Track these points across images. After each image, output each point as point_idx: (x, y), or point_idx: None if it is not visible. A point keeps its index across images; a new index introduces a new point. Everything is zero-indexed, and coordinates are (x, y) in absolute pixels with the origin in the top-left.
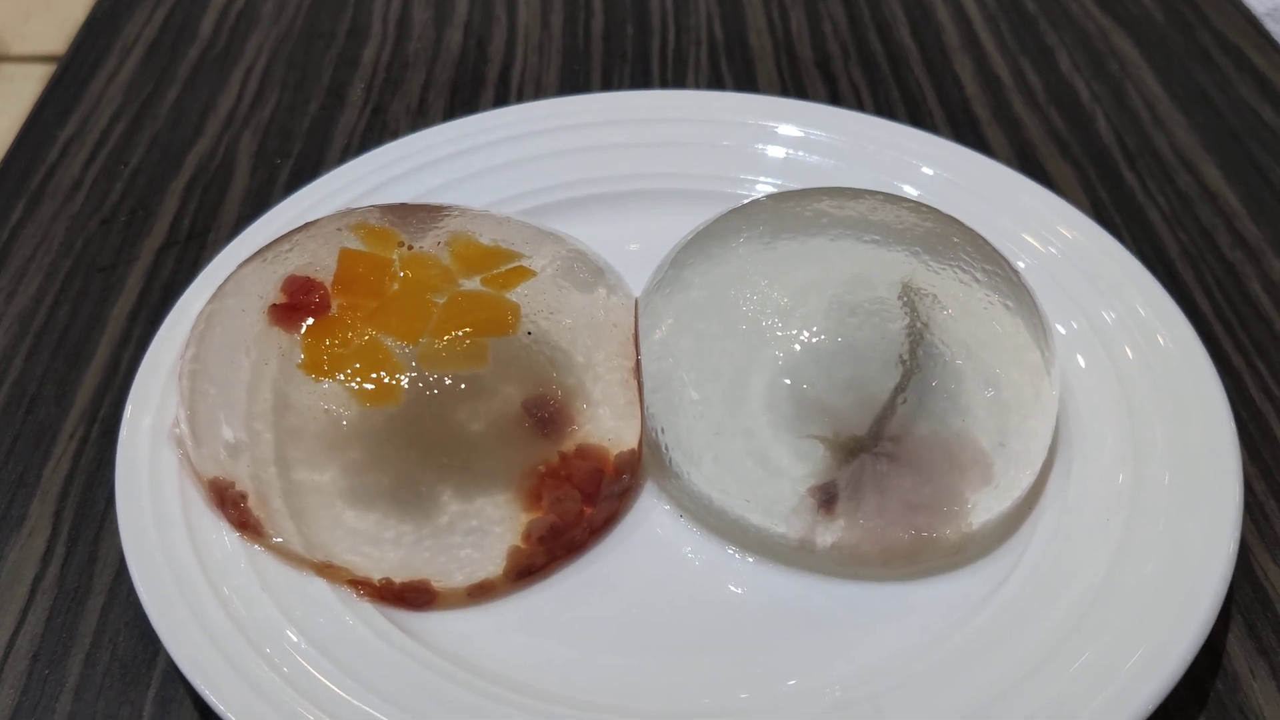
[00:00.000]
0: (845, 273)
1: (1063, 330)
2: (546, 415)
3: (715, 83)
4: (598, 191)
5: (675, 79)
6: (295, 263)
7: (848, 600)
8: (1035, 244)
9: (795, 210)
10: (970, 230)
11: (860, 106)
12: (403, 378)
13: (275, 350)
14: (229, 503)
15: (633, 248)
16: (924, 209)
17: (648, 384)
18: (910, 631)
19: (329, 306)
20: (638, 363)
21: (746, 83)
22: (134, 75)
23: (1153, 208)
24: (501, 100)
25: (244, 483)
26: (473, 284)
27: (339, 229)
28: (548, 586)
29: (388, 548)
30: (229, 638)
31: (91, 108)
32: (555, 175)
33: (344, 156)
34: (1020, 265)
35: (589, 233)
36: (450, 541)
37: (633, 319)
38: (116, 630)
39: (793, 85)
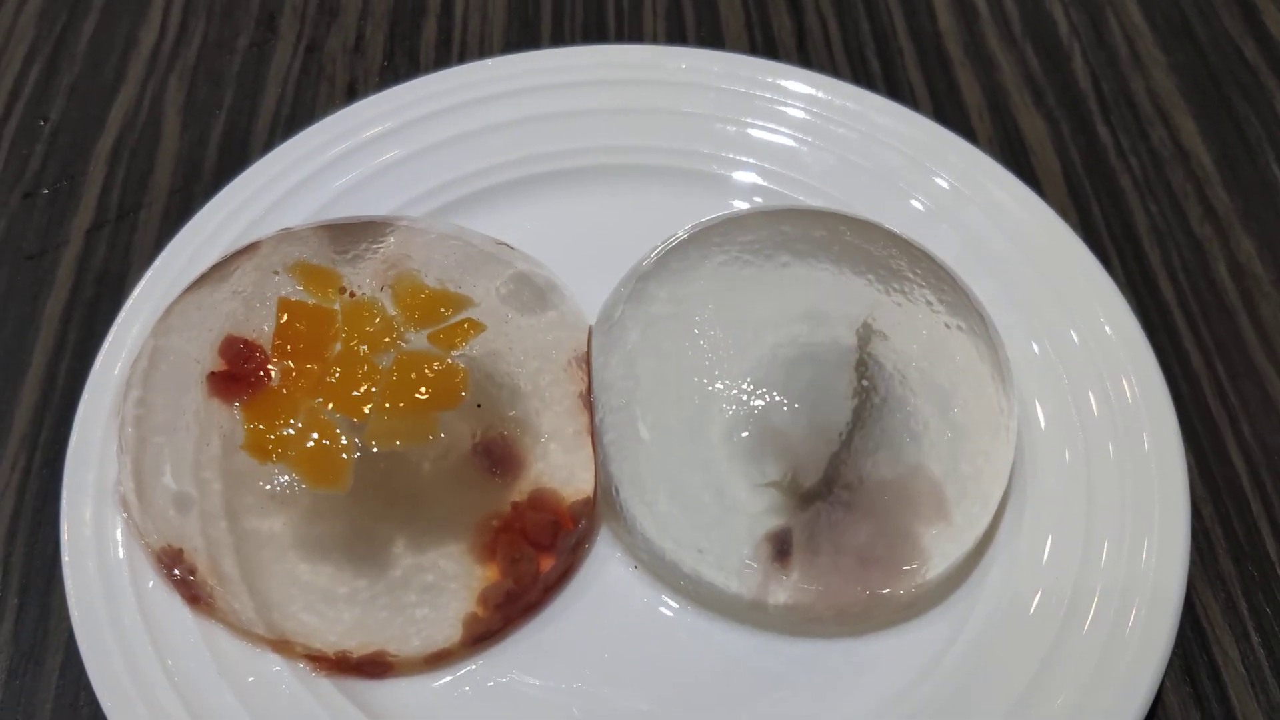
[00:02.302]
0: (803, 307)
1: (1024, 360)
2: (496, 455)
3: (675, 15)
4: (549, 169)
5: (632, 15)
6: (233, 311)
7: (800, 660)
8: (1003, 252)
9: (757, 235)
10: (929, 257)
11: (827, 42)
12: (351, 456)
13: (216, 429)
14: (180, 576)
15: (586, 239)
16: (885, 235)
17: (599, 415)
18: (862, 694)
19: (269, 375)
20: (589, 387)
21: (709, 14)
22: (45, 3)
23: (1125, 172)
24: (445, 34)
25: (194, 542)
26: (418, 338)
27: (275, 271)
28: (503, 651)
29: (342, 606)
30: None
31: (2, 43)
32: (501, 152)
33: (278, 110)
34: (980, 287)
35: (540, 218)
36: (406, 600)
37: (579, 340)
38: (76, 693)
39: (758, 17)
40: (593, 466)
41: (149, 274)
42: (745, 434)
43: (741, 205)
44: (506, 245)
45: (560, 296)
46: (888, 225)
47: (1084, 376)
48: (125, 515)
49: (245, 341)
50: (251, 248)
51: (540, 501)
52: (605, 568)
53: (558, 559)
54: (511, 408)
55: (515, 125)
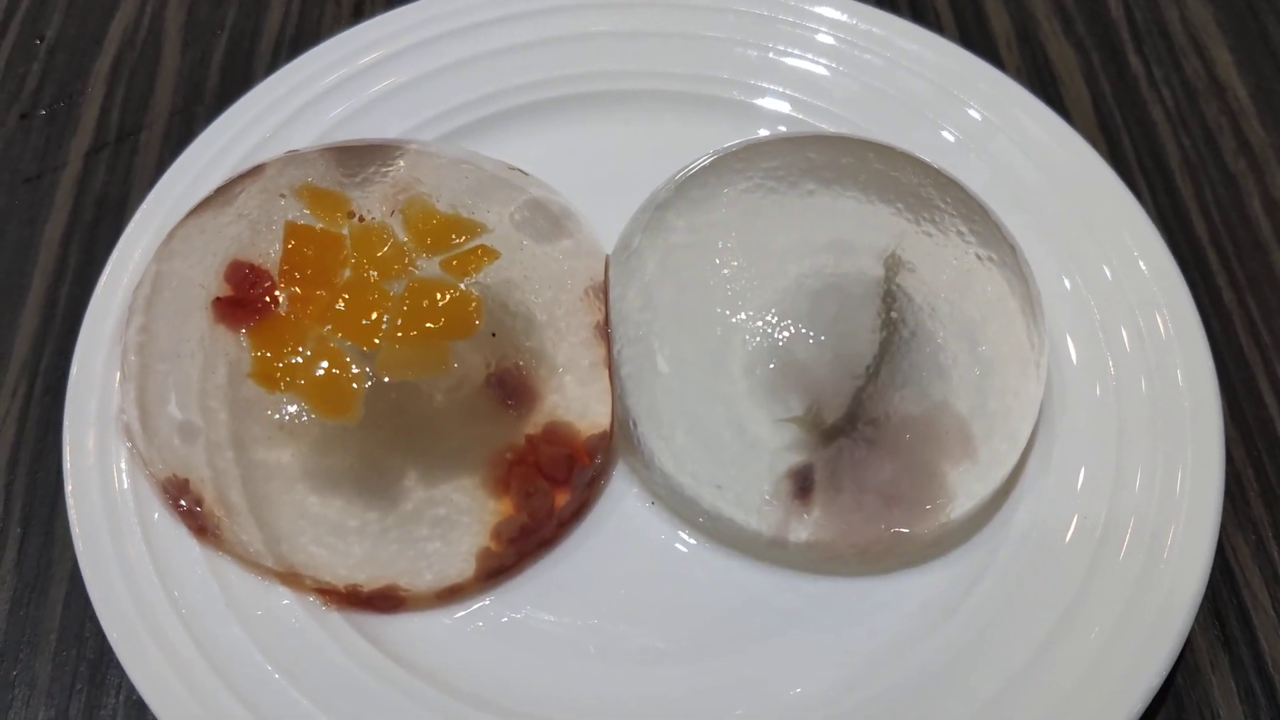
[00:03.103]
0: (829, 237)
1: (1054, 295)
2: (511, 386)
3: None
4: (563, 94)
5: None
6: (239, 235)
7: (819, 598)
8: (1034, 183)
9: (781, 162)
10: (959, 186)
11: None
12: (361, 386)
13: (222, 356)
14: (186, 507)
15: (601, 167)
16: (913, 163)
17: (617, 347)
18: (883, 634)
19: (276, 301)
20: (605, 318)
21: None
22: None
23: (1156, 103)
24: None
25: (200, 473)
26: (430, 265)
27: (282, 195)
28: (517, 587)
29: (352, 539)
30: (194, 666)
31: None
32: (514, 75)
33: (282, 30)
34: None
35: (554, 144)
36: (417, 534)
37: (596, 270)
38: (82, 624)
39: None
40: (609, 399)
41: (150, 197)
42: (767, 367)
43: (763, 133)
44: (520, 171)
45: (576, 224)
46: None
47: (1116, 310)
48: (129, 445)
49: (251, 266)
50: (256, 170)
51: (555, 435)
52: (621, 503)
53: (573, 494)
54: (526, 338)
55: (529, 48)
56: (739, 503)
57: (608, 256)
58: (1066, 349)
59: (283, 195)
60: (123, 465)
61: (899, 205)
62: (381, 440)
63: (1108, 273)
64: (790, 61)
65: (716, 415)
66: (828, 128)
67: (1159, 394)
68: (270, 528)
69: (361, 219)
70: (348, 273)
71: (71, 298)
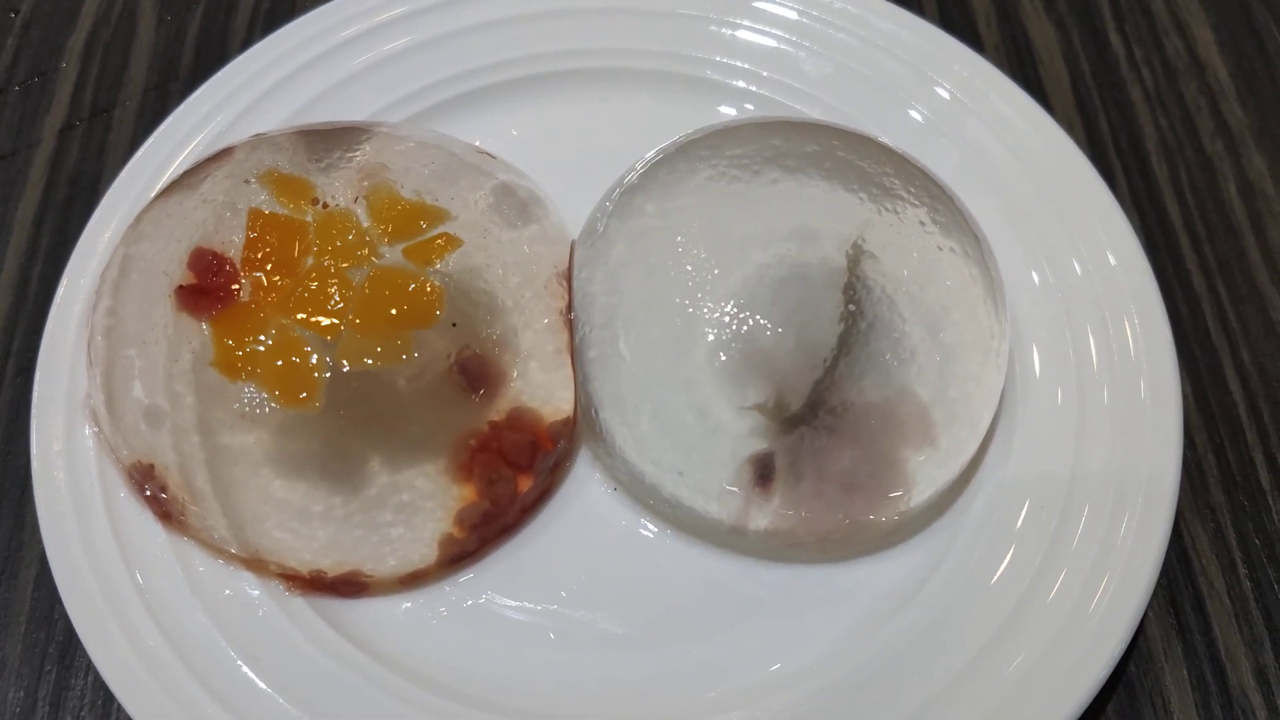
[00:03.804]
0: (793, 225)
1: (1020, 283)
2: (474, 373)
3: None
4: (535, 72)
5: None
6: (203, 221)
7: (779, 585)
8: (1005, 169)
9: (747, 149)
10: (926, 175)
11: None
12: (321, 375)
13: (186, 344)
14: (151, 493)
15: (571, 147)
16: (880, 150)
17: (581, 331)
18: (842, 620)
19: (239, 289)
20: (569, 304)
21: None
22: None
23: (1136, 83)
24: None
25: (165, 457)
26: (393, 252)
27: (247, 180)
28: (480, 572)
29: (316, 523)
30: (158, 652)
31: None
32: (485, 54)
33: (257, 5)
34: (979, 204)
35: (524, 124)
36: (381, 519)
37: (562, 256)
38: (51, 606)
39: None
40: (573, 385)
41: (120, 178)
42: (730, 356)
43: (733, 113)
44: (488, 155)
45: (543, 209)
46: (885, 138)
47: (1081, 300)
48: (96, 429)
49: (215, 254)
50: (225, 153)
51: (519, 421)
52: (584, 489)
53: (536, 480)
54: (490, 325)
55: (500, 25)
56: (700, 490)
57: (573, 241)
58: (1030, 338)
59: (247, 181)
60: (89, 450)
61: (863, 194)
62: (345, 426)
63: (1075, 263)
64: (763, 40)
65: (679, 401)
66: (800, 108)
67: (1120, 384)
68: (235, 512)
69: (326, 205)
70: (310, 260)
71: (44, 278)
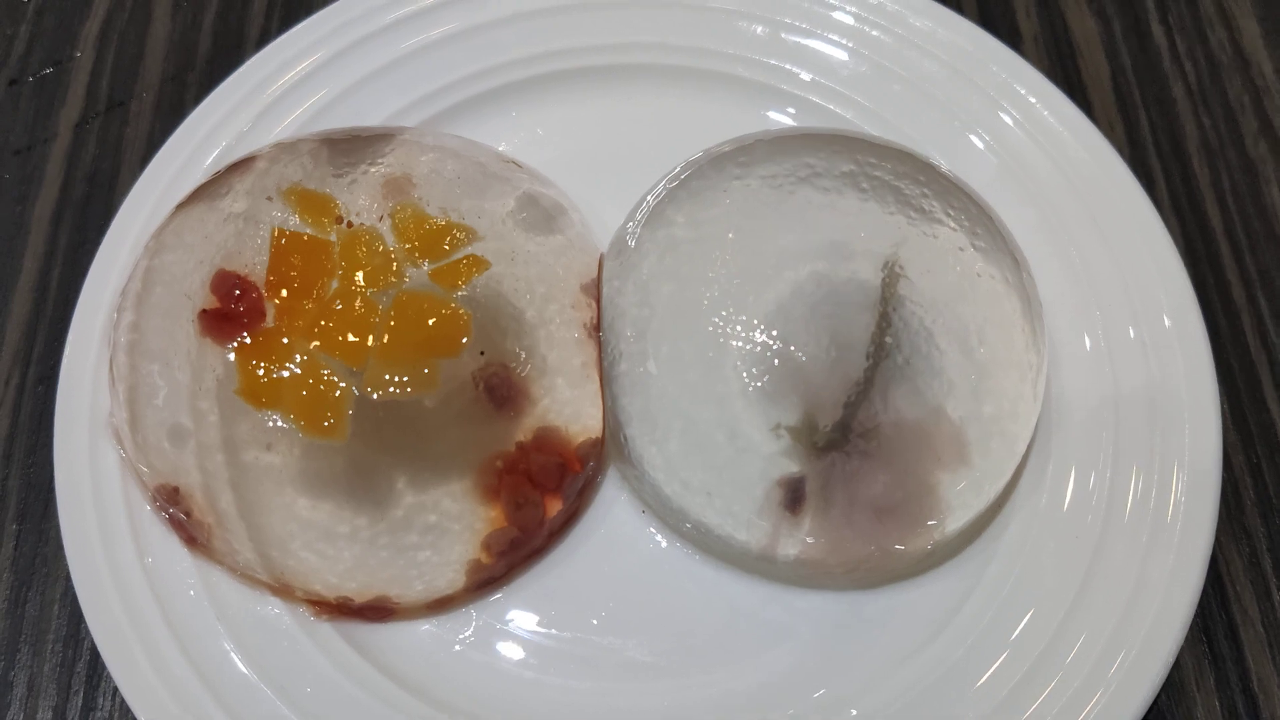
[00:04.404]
0: (827, 241)
1: (1057, 301)
2: (501, 390)
3: None
4: (562, 68)
5: None
6: (224, 242)
7: (808, 613)
8: (1044, 178)
9: (781, 167)
10: (965, 193)
11: None
12: (348, 405)
13: (209, 369)
14: (176, 516)
15: (600, 147)
16: (918, 168)
17: (611, 345)
18: (872, 650)
19: (263, 313)
20: (597, 317)
21: None
22: None
23: (1178, 79)
24: None
25: (190, 477)
26: (419, 274)
27: (269, 197)
28: (506, 597)
29: (342, 544)
30: (184, 680)
31: None
32: (513, 48)
33: None
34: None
35: (553, 124)
36: (407, 541)
37: (588, 266)
38: (79, 624)
39: None
40: (600, 402)
41: (138, 185)
42: (760, 375)
43: (767, 114)
44: (514, 163)
45: (568, 220)
46: (922, 144)
47: (1120, 322)
48: (119, 449)
49: (238, 277)
50: (246, 162)
51: (546, 442)
52: (611, 511)
53: (564, 503)
54: (518, 339)
55: (528, 18)
56: (728, 513)
57: (602, 254)
58: (1066, 356)
59: (269, 197)
60: (114, 470)
61: (899, 212)
62: (371, 445)
63: (1115, 280)
64: (796, 39)
65: (709, 419)
66: (834, 108)
67: (1158, 411)
68: (260, 532)
69: (350, 224)
70: (335, 283)
71: (63, 282)
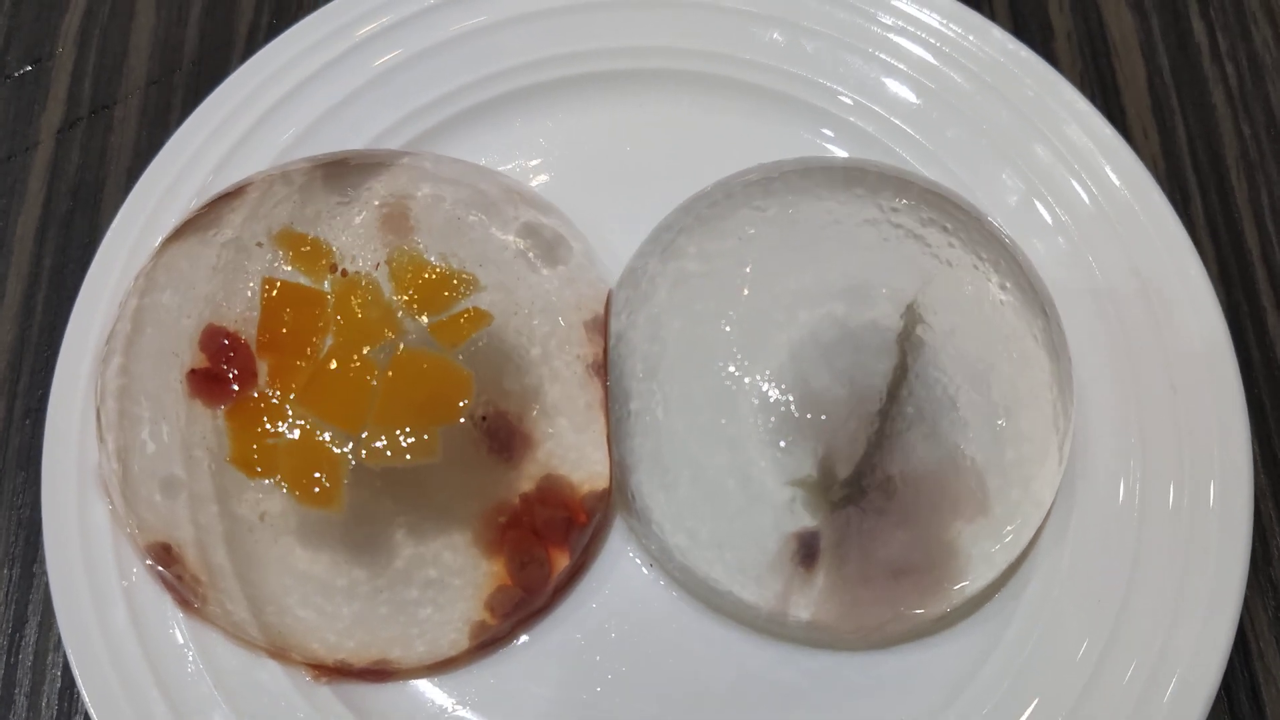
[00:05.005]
0: (846, 282)
1: (1086, 348)
2: (502, 435)
3: None
4: (566, 74)
5: None
6: (213, 294)
7: (820, 675)
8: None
9: (802, 208)
10: (995, 240)
11: None
12: (344, 474)
13: (201, 425)
14: (169, 578)
15: (608, 159)
16: (945, 211)
17: (620, 383)
18: (886, 714)
19: (254, 374)
20: (604, 353)
21: None
22: None
23: (1218, 82)
24: None
25: (182, 531)
26: (418, 327)
27: (260, 241)
28: (509, 656)
29: (340, 600)
30: None
31: None
32: (518, 53)
33: None
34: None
35: (553, 134)
36: (408, 596)
37: (592, 300)
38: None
39: None
40: (605, 445)
41: (122, 212)
42: (773, 424)
43: (788, 131)
44: (516, 192)
45: (569, 251)
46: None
47: (1151, 373)
48: (109, 503)
49: (228, 334)
50: (239, 192)
51: (551, 493)
52: (618, 565)
53: (570, 557)
54: (518, 382)
55: (536, 19)
56: (738, 567)
57: (610, 291)
58: (1093, 404)
59: (259, 243)
60: (104, 525)
61: (926, 259)
62: (368, 496)
63: (1147, 327)
64: (815, 47)
65: (721, 465)
66: (855, 120)
67: (1187, 465)
68: (255, 588)
69: (345, 272)
70: (330, 339)
71: (49, 306)
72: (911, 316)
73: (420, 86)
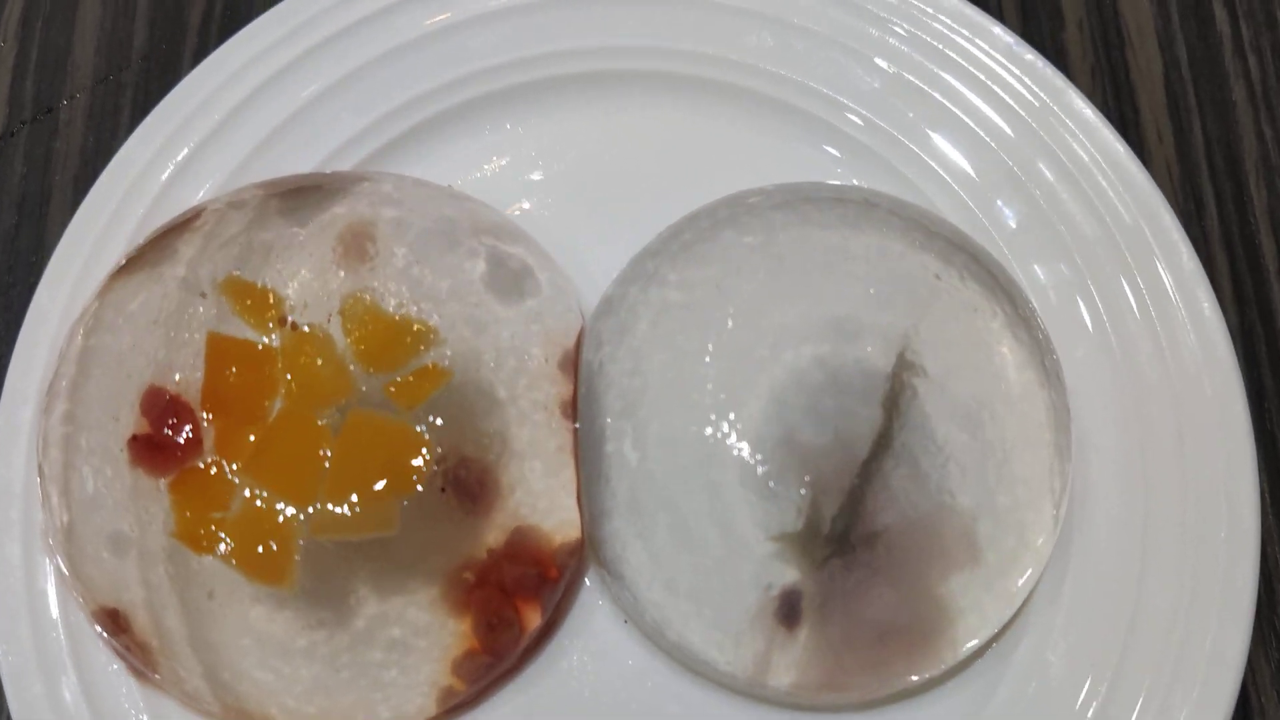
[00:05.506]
0: (831, 314)
1: (1086, 391)
2: (467, 484)
3: None
4: (537, 77)
5: None
6: (154, 352)
7: None
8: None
9: (795, 234)
10: (995, 280)
11: None
12: (295, 550)
13: (146, 497)
14: (120, 645)
15: (573, 174)
16: (947, 244)
17: (591, 421)
18: None
19: (199, 442)
20: (574, 391)
21: None
22: None
23: (1239, 77)
24: None
25: (132, 593)
26: (374, 385)
27: (203, 292)
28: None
29: (299, 662)
30: None
31: None
32: (488, 53)
33: None
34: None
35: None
36: (370, 659)
37: (561, 335)
38: None
39: None
40: (576, 492)
41: (66, 237)
42: (754, 472)
43: (779, 141)
44: (482, 219)
45: (536, 283)
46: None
47: (1156, 418)
48: (55, 562)
49: (170, 399)
50: (190, 222)
51: (520, 547)
52: (592, 619)
53: (542, 615)
54: (484, 426)
55: (505, 17)
56: (716, 625)
57: (581, 323)
58: (1091, 446)
59: (203, 293)
60: (51, 587)
61: (918, 294)
62: (326, 555)
63: (1154, 368)
64: (799, 44)
65: (701, 511)
66: (847, 130)
67: (1191, 526)
68: (210, 652)
69: (294, 325)
70: (279, 402)
71: None
72: (903, 357)
73: (381, 92)
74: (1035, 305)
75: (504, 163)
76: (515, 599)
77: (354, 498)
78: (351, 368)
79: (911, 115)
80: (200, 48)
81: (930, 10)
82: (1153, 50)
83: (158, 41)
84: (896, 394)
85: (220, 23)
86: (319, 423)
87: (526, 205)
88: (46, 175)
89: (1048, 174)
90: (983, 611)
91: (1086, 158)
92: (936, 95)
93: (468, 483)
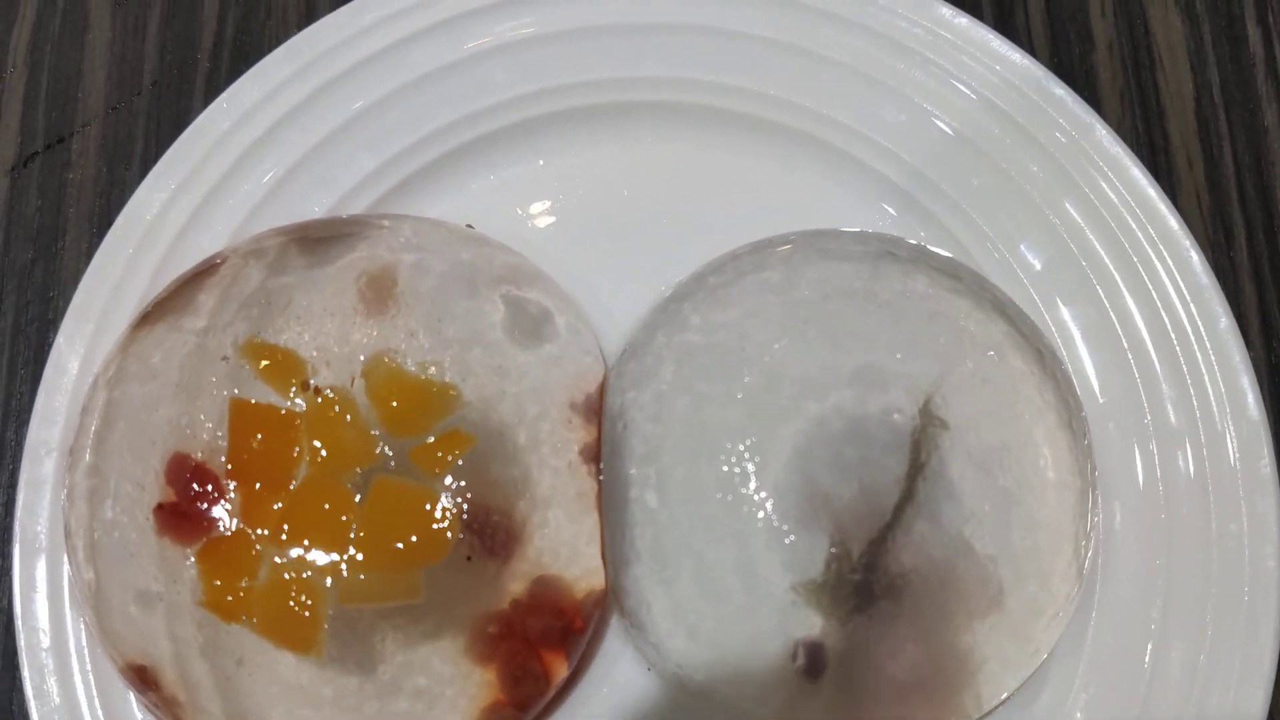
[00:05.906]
0: (856, 362)
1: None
2: (490, 533)
3: None
4: (557, 109)
5: None
6: (175, 419)
7: None
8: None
9: (812, 290)
10: (1020, 335)
11: None
12: (323, 619)
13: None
14: (149, 703)
15: (605, 208)
16: (977, 298)
17: (616, 467)
18: None
19: (226, 511)
20: (598, 437)
21: None
22: None
23: (1272, 100)
24: None
25: (160, 647)
26: (399, 450)
27: (225, 356)
28: None
29: (327, 710)
30: None
31: None
32: (503, 87)
33: None
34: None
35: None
36: (397, 709)
37: (583, 378)
38: None
39: None
40: (600, 539)
41: (85, 282)
42: (776, 523)
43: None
44: (500, 262)
45: (555, 328)
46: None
47: (1181, 466)
48: (84, 618)
49: (196, 465)
50: (209, 270)
51: (544, 598)
52: (616, 668)
53: (568, 666)
54: (505, 474)
55: (529, 46)
56: (739, 676)
57: (605, 368)
58: (1114, 514)
59: (225, 357)
60: (81, 647)
61: (944, 343)
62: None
63: (1176, 413)
64: (825, 74)
65: (726, 559)
66: (874, 165)
67: (1215, 580)
68: (237, 699)
69: (317, 389)
70: (304, 469)
71: (12, 372)
72: (927, 407)
73: (396, 129)
74: (1061, 349)
75: (524, 198)
76: (540, 650)
77: (380, 566)
78: (375, 432)
79: (938, 151)
80: (213, 71)
81: (959, 43)
82: (1184, 73)
83: (169, 65)
84: (920, 445)
85: (232, 46)
86: (343, 489)
87: (546, 243)
88: (61, 209)
89: (1075, 214)
90: (1006, 663)
91: (1115, 198)
92: (961, 130)
93: (492, 536)
